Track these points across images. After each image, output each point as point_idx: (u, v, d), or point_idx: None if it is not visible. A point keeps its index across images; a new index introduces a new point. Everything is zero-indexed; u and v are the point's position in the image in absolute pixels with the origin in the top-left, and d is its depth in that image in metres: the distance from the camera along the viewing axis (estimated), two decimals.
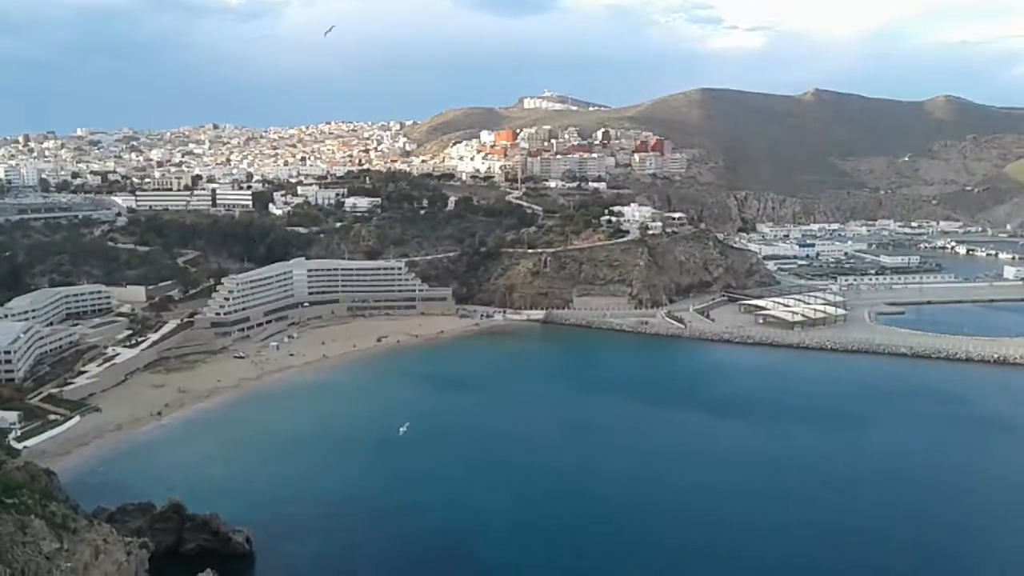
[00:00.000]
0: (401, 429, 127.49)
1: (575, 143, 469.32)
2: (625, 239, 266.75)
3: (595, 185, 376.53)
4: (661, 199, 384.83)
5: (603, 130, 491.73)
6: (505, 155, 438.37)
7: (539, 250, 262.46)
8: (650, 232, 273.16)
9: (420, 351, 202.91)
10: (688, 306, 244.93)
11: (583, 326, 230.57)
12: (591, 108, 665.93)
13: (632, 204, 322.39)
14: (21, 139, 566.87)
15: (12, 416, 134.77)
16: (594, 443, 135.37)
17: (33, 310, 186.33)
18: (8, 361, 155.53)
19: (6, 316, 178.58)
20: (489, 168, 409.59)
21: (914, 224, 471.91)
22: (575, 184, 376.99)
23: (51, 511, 79.68)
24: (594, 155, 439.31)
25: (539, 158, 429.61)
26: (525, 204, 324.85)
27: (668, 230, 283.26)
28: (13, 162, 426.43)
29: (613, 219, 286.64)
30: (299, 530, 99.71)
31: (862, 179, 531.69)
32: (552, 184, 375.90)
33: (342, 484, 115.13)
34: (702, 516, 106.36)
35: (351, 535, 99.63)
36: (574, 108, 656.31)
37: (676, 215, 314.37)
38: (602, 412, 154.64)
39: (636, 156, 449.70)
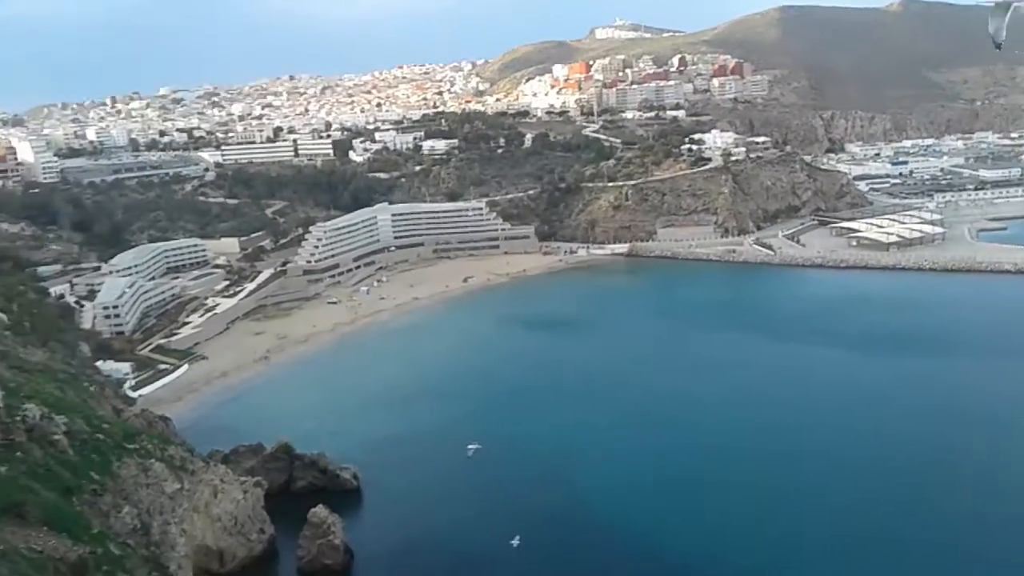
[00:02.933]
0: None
1: (650, 72, 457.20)
2: (708, 167, 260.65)
3: (673, 113, 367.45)
4: (743, 124, 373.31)
5: (679, 56, 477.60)
6: (579, 88, 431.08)
7: (619, 183, 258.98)
8: (733, 159, 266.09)
9: (508, 289, 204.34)
10: (777, 232, 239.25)
11: (668, 257, 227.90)
12: (665, 34, 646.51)
13: (713, 131, 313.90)
14: (109, 101, 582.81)
15: (125, 367, 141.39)
16: (704, 382, 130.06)
17: (135, 265, 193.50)
18: (117, 315, 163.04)
19: (111, 272, 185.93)
20: (564, 103, 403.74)
21: (1014, 135, 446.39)
22: (653, 114, 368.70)
23: (169, 454, 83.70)
24: (671, 83, 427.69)
25: (614, 89, 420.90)
26: (603, 137, 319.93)
27: (752, 155, 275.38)
28: (103, 124, 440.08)
29: (694, 147, 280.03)
30: (403, 467, 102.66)
31: (956, 91, 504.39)
32: (629, 115, 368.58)
33: (442, 423, 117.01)
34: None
35: (455, 471, 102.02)
36: (647, 36, 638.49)
37: (760, 139, 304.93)
38: (703, 346, 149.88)
39: (715, 81, 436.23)
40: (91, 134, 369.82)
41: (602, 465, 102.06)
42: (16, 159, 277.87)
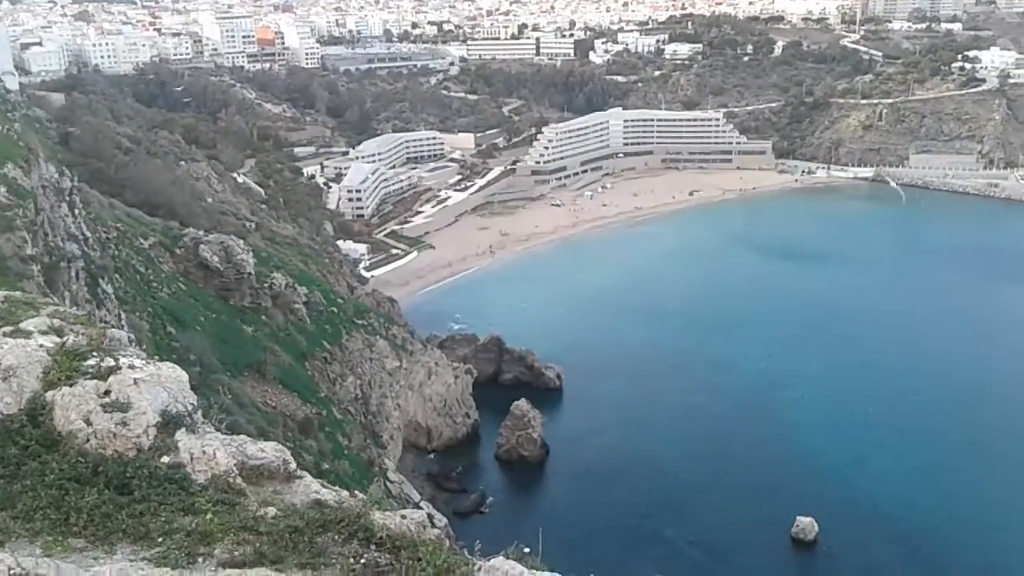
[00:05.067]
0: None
1: None
2: (979, 89, 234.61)
3: (948, 26, 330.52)
4: None
5: None
6: None
7: (874, 101, 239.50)
8: (1011, 81, 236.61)
9: (736, 206, 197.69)
10: None
11: (918, 186, 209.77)
12: None
13: (992, 48, 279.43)
14: None
15: (362, 248, 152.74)
16: (955, 333, 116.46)
17: (379, 153, 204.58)
18: (359, 199, 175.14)
19: (357, 158, 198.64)
20: (824, 9, 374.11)
21: None
22: (924, 25, 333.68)
23: (393, 334, 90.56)
24: None
25: None
26: (862, 49, 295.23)
27: None
28: (362, 13, 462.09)
29: (967, 66, 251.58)
30: (605, 376, 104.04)
31: None
32: (896, 26, 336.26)
33: (651, 339, 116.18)
34: None
35: (657, 384, 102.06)
36: None
37: None
38: (960, 292, 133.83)
39: None
40: (350, 23, 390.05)
41: (805, 409, 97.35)
42: (283, 43, 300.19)
